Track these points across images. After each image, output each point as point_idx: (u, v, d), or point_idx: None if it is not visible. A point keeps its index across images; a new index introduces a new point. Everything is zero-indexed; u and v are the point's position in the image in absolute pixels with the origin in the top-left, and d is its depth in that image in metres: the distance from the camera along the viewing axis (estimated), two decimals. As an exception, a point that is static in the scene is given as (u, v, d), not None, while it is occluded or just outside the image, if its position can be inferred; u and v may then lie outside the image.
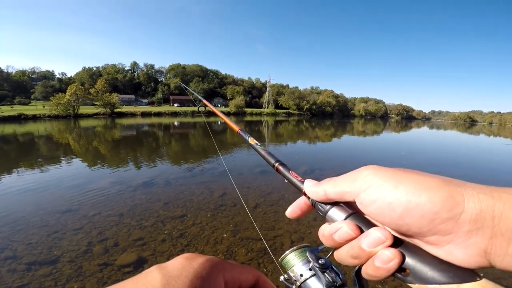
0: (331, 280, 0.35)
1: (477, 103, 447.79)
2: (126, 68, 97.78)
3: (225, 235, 3.72)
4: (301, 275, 0.39)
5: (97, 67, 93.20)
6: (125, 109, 55.15)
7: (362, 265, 0.28)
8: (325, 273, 0.36)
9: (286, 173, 0.42)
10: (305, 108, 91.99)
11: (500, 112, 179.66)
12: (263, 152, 0.51)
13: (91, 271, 2.91)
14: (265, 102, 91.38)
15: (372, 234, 0.27)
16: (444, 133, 37.14)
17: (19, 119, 37.07)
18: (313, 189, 0.33)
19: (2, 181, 6.49)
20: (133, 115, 50.66)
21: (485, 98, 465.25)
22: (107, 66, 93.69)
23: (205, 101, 1.32)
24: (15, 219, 4.19)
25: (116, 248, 3.38)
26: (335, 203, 0.32)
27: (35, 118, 38.96)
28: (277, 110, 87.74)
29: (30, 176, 6.96)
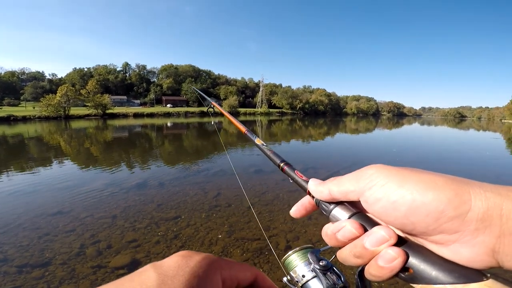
0: (331, 282, 0.36)
1: (466, 99, 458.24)
2: (117, 69, 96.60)
3: (220, 236, 3.71)
4: (303, 276, 0.40)
5: (88, 68, 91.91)
6: (117, 110, 54.39)
7: (365, 265, 0.28)
8: (326, 275, 0.37)
9: (291, 172, 0.42)
10: (298, 107, 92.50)
11: (488, 107, 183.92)
12: (268, 153, 0.51)
13: (84, 274, 2.87)
14: (259, 102, 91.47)
15: (375, 233, 0.26)
16: (434, 129, 37.76)
17: (9, 120, 36.18)
18: (318, 188, 0.33)
19: (-9, 185, 6.33)
20: (125, 116, 50.01)
21: (474, 94, 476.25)
22: (98, 67, 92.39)
23: (214, 103, 1.39)
24: (5, 222, 4.10)
25: (110, 250, 3.34)
26: (339, 203, 0.31)
27: (25, 119, 38.10)
28: (271, 110, 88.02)
29: (20, 178, 6.81)
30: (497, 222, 0.21)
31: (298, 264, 0.41)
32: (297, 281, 0.40)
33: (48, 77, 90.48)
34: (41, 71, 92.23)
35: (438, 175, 0.26)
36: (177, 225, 4.03)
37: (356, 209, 0.30)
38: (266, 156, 0.52)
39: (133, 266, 3.02)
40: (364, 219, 0.29)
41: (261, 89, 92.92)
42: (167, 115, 56.60)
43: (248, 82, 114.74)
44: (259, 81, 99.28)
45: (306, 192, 0.36)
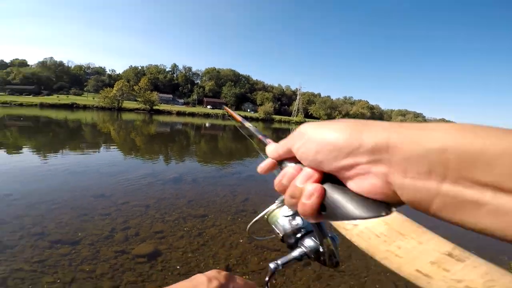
0: (295, 224, 0.47)
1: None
2: (167, 69, 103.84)
3: (241, 241, 3.65)
4: (283, 225, 0.48)
5: (142, 67, 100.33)
6: (162, 107, 58.47)
7: None
8: (294, 217, 0.48)
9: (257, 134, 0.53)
10: (337, 118, 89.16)
11: None
12: (252, 129, 0.60)
13: (106, 256, 3.00)
14: (295, 110, 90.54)
15: (303, 172, 0.31)
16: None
17: (72, 107, 41.54)
18: (271, 150, 0.39)
19: (50, 160, 7.16)
20: (169, 113, 53.42)
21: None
22: (150, 66, 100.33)
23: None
24: (53, 198, 4.51)
25: (136, 237, 3.48)
26: (288, 159, 0.36)
27: (85, 107, 43.15)
28: (307, 119, 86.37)
29: (72, 159, 7.61)
30: (386, 155, 0.24)
31: (279, 217, 0.49)
32: (278, 233, 0.48)
33: (108, 72, 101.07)
34: (103, 67, 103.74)
35: (345, 120, 0.30)
36: (203, 223, 4.08)
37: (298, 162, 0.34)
38: (248, 131, 0.59)
39: (153, 256, 3.08)
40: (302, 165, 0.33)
41: (298, 97, 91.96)
42: (207, 115, 58.99)
43: (285, 90, 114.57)
44: (296, 89, 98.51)
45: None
